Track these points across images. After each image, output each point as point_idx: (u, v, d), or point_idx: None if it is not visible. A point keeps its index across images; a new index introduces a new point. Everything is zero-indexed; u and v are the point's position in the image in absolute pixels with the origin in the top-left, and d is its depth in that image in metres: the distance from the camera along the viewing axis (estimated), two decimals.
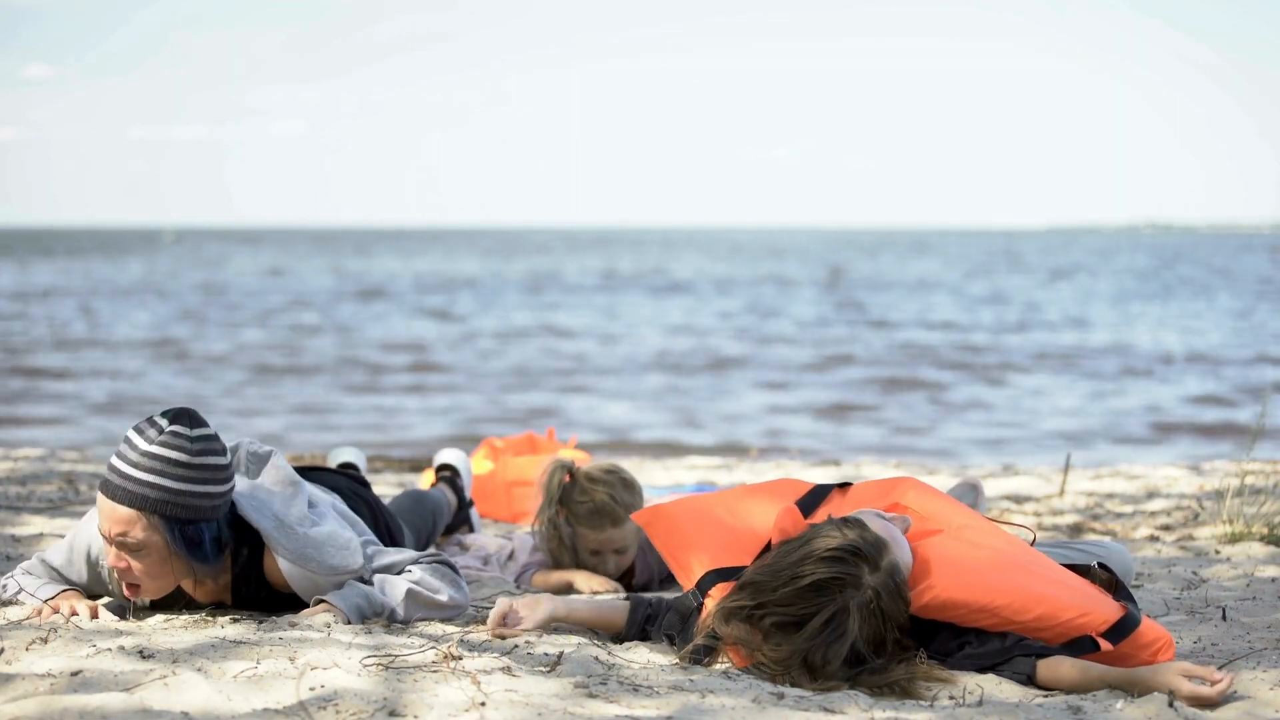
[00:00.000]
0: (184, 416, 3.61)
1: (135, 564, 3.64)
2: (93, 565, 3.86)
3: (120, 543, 3.60)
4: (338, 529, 3.83)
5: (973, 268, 58.54)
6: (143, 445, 3.57)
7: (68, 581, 3.91)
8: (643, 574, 4.86)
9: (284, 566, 3.76)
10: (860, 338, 24.11)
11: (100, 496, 3.62)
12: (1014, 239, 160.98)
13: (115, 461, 3.59)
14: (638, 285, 42.87)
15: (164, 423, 3.59)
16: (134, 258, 66.09)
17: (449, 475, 5.57)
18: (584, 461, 6.31)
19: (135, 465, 3.57)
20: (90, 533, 3.84)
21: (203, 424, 3.64)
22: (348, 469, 5.21)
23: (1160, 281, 45.57)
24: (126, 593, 3.72)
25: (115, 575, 3.72)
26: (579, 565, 4.78)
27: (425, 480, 5.82)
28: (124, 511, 3.57)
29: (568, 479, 4.75)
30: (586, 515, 4.68)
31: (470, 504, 5.56)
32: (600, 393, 16.76)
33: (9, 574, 3.99)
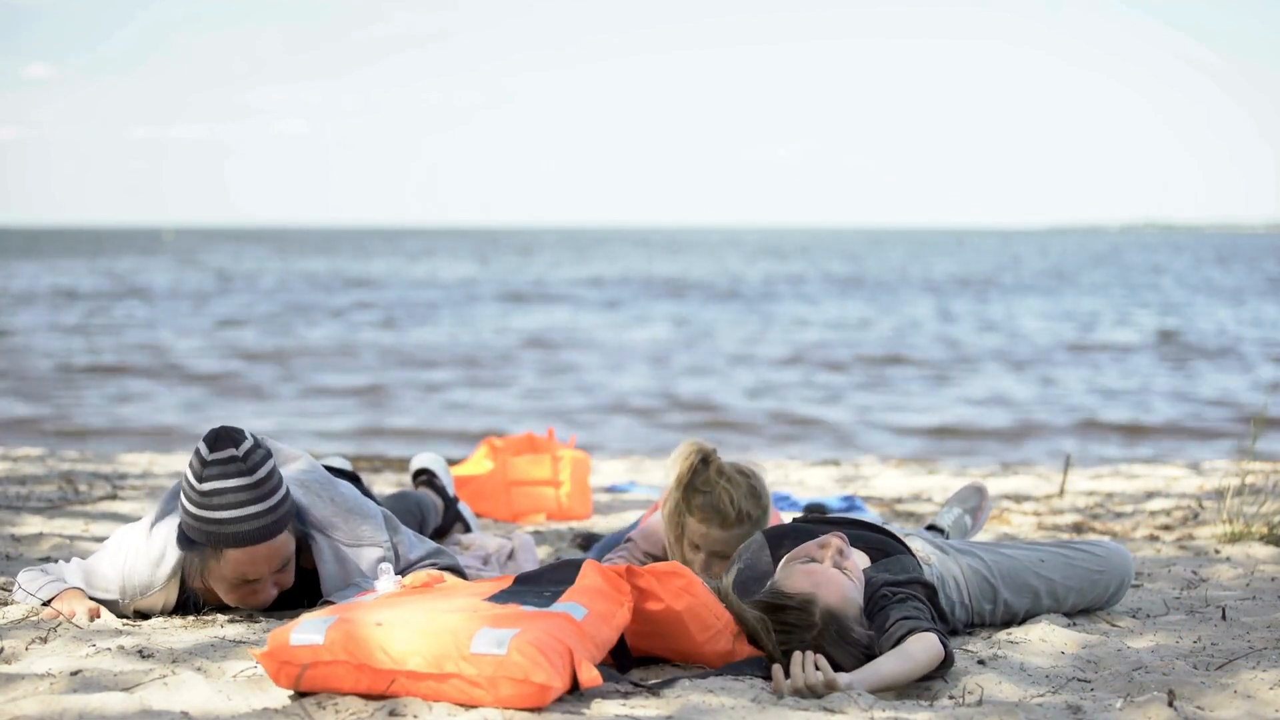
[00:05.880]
0: (230, 434, 3.59)
1: (284, 577, 3.73)
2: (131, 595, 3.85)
3: (281, 568, 3.69)
4: (362, 500, 3.98)
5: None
6: (246, 480, 3.56)
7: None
8: None
9: (318, 547, 3.83)
10: None
11: (246, 550, 3.59)
12: (1015, 239, 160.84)
13: (240, 510, 3.55)
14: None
15: (230, 450, 3.56)
16: (161, 258, 65.80)
17: (426, 479, 5.52)
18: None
19: (262, 497, 3.58)
20: (131, 573, 3.81)
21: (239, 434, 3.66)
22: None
23: None
24: (258, 606, 3.77)
25: (255, 603, 3.74)
26: (684, 554, 4.43)
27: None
28: (280, 539, 3.64)
29: (700, 463, 4.39)
30: (700, 507, 4.33)
31: (455, 500, 5.50)
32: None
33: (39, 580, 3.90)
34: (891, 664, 3.25)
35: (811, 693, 3.10)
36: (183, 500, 3.62)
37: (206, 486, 3.54)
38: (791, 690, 3.12)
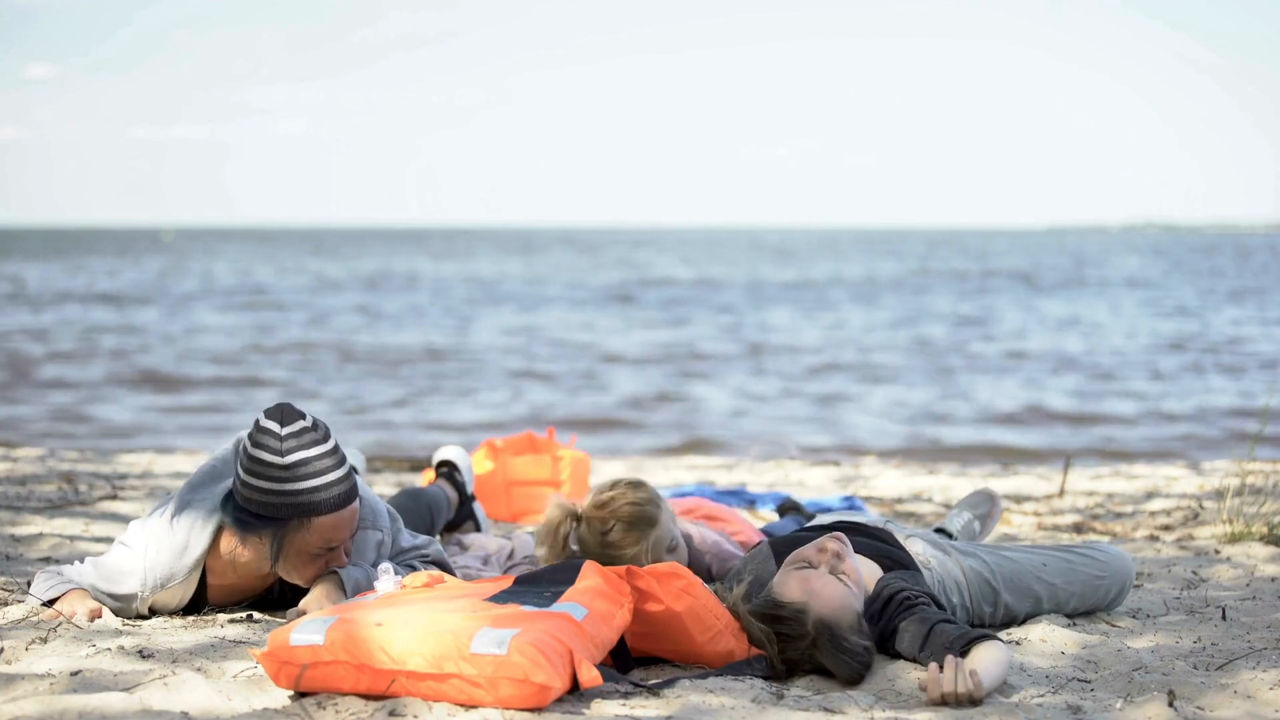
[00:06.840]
0: (292, 408, 3.65)
1: (350, 543, 3.79)
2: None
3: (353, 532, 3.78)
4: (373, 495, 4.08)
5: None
6: (325, 446, 3.62)
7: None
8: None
9: None
10: None
11: (335, 515, 3.64)
12: (1016, 239, 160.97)
13: (328, 475, 3.61)
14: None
15: (301, 421, 3.61)
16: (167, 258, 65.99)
17: (448, 471, 5.54)
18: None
19: (341, 461, 3.66)
20: (151, 568, 3.81)
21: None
22: None
23: None
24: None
25: (322, 567, 3.77)
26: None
27: (424, 480, 5.79)
28: (357, 500, 3.73)
29: (574, 524, 4.27)
30: (622, 537, 4.17)
31: (473, 498, 5.52)
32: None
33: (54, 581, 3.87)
34: (997, 666, 3.23)
35: (958, 701, 3.08)
36: (253, 481, 3.60)
37: (292, 459, 3.57)
38: (941, 693, 3.10)
